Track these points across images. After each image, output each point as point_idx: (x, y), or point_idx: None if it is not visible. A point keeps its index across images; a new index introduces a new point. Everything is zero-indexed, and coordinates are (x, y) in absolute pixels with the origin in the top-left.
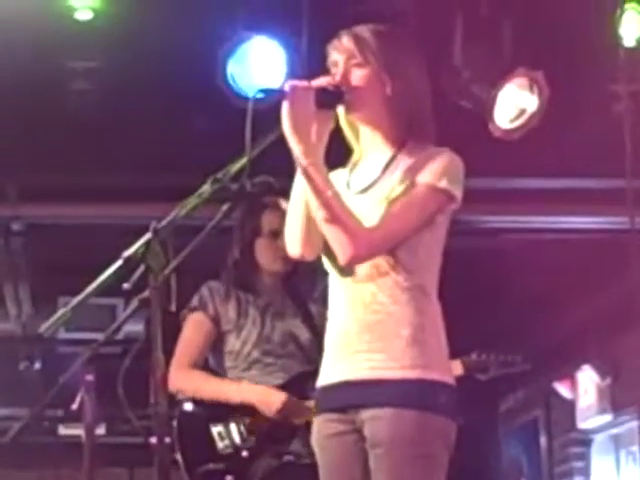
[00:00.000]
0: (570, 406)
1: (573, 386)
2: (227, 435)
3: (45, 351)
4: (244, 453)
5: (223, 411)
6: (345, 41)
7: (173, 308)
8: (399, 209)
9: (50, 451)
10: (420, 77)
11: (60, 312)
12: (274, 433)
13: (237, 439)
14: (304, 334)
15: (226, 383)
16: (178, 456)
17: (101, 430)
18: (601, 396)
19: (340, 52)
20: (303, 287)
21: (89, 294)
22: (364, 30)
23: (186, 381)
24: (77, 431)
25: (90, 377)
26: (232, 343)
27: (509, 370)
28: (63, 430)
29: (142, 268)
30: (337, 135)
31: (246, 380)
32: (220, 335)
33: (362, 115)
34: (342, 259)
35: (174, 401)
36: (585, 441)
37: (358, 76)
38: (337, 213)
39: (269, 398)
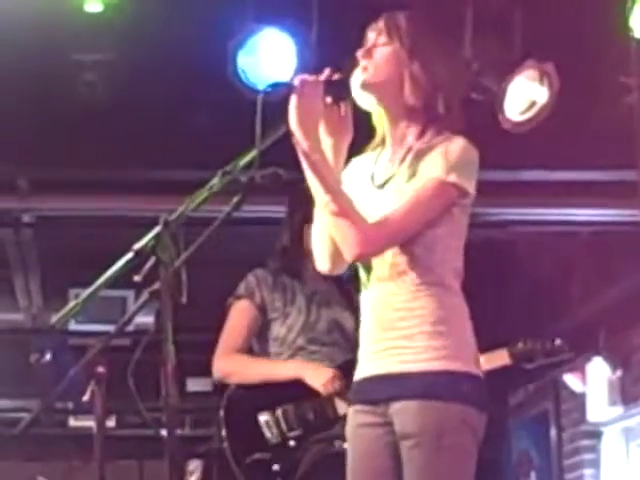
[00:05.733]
0: (580, 399)
1: (583, 378)
2: (274, 424)
3: (56, 343)
4: (291, 443)
5: (270, 399)
6: (380, 22)
7: (184, 300)
8: (406, 205)
9: (60, 443)
10: (446, 65)
11: (71, 304)
12: (320, 422)
13: (284, 428)
14: (349, 323)
15: (273, 362)
16: (225, 446)
17: (111, 422)
18: (612, 389)
19: (373, 31)
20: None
21: (100, 286)
22: (400, 13)
23: (231, 365)
24: (87, 423)
25: (101, 369)
26: (277, 330)
27: (554, 359)
28: (73, 422)
29: (152, 260)
30: (362, 121)
31: None
32: (266, 323)
33: (378, 92)
34: (348, 256)
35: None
36: (595, 434)
37: (379, 52)
38: (341, 210)
39: (318, 371)
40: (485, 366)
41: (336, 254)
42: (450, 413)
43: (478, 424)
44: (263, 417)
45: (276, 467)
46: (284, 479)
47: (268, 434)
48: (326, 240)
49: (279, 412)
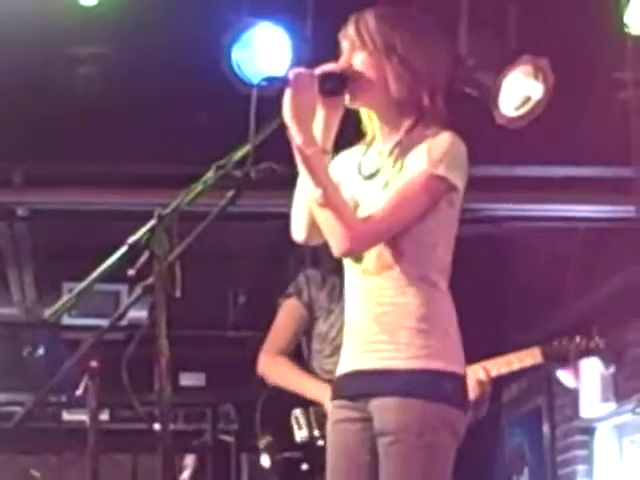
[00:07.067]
0: (573, 395)
1: (576, 374)
2: (306, 423)
3: (49, 337)
4: (319, 442)
5: (304, 398)
6: (349, 27)
7: (177, 294)
8: (394, 200)
9: (54, 437)
10: (426, 58)
11: (64, 298)
12: None
13: (315, 427)
14: None
15: (305, 379)
16: (259, 442)
17: (105, 416)
18: (605, 385)
19: (346, 39)
20: None
21: (93, 280)
22: (368, 13)
23: (270, 368)
24: (81, 417)
25: (94, 363)
26: (320, 327)
27: (589, 357)
28: (67, 416)
29: (146, 254)
30: (351, 114)
31: (330, 365)
32: (312, 320)
33: (366, 100)
34: (336, 251)
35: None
36: (588, 430)
37: (357, 61)
38: (332, 206)
39: None
40: (516, 365)
41: (313, 226)
42: (430, 412)
43: (458, 424)
44: (296, 416)
45: (304, 466)
46: (311, 478)
47: (298, 433)
48: (305, 210)
49: (312, 411)
